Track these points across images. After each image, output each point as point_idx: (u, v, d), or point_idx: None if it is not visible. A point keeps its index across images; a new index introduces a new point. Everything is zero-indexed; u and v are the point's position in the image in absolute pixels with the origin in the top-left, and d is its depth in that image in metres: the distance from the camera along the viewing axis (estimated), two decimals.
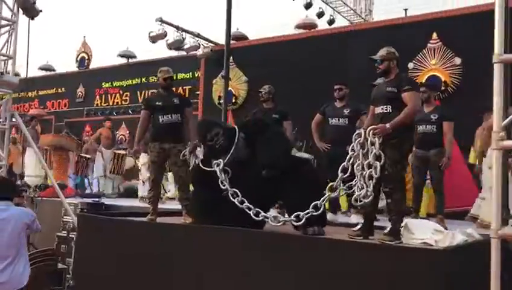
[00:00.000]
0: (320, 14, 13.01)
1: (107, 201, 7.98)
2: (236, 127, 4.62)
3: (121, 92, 17.64)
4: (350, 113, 6.02)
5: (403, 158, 4.12)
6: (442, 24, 8.23)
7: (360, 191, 4.03)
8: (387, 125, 3.98)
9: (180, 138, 5.28)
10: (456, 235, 4.06)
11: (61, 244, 7.10)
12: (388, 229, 3.98)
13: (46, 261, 5.41)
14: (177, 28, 10.67)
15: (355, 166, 4.09)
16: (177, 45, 10.84)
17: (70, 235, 6.99)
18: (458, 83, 7.86)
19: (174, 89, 6.09)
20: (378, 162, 3.91)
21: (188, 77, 15.80)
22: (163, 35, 10.82)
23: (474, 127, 6.70)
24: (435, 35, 8.05)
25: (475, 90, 7.11)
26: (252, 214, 4.17)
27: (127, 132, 17.27)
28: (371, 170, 3.95)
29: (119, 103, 17.64)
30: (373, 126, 4.07)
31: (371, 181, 3.95)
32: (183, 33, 10.77)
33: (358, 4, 13.74)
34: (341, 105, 6.12)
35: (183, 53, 13.85)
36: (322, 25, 13.62)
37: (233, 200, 4.22)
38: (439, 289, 3.17)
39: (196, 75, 15.57)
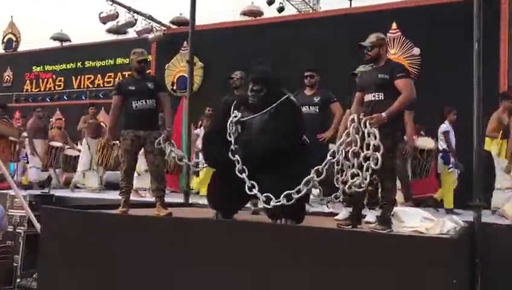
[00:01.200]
0: (270, 2, 12.88)
1: (57, 193, 7.45)
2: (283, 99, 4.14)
3: (54, 76, 16.67)
4: (320, 101, 5.94)
5: (395, 147, 4.10)
6: (401, 14, 8.39)
7: (353, 178, 3.93)
8: (383, 114, 3.89)
9: (156, 124, 5.00)
10: (446, 222, 4.11)
11: (6, 240, 6.52)
12: (378, 217, 3.97)
13: (2, 259, 4.91)
14: (129, 9, 10.10)
15: (349, 152, 3.95)
16: (128, 27, 10.25)
17: (17, 230, 6.47)
18: (417, 72, 8.02)
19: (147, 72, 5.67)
20: (377, 153, 3.79)
21: (127, 62, 15.20)
22: (114, 16, 10.22)
23: (433, 117, 6.89)
24: (394, 25, 8.18)
25: (433, 81, 7.30)
26: (246, 187, 3.92)
27: (63, 118, 16.35)
28: (368, 161, 3.83)
29: (53, 89, 16.68)
30: (369, 116, 3.95)
31: (367, 172, 3.85)
32: (135, 15, 10.21)
33: None
34: (311, 93, 6.02)
35: (124, 36, 13.29)
36: (271, 12, 13.56)
37: (233, 158, 3.96)
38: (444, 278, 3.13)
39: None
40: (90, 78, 15.92)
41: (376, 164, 3.78)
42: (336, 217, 5.04)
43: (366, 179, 3.84)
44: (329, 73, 6.06)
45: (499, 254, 4.58)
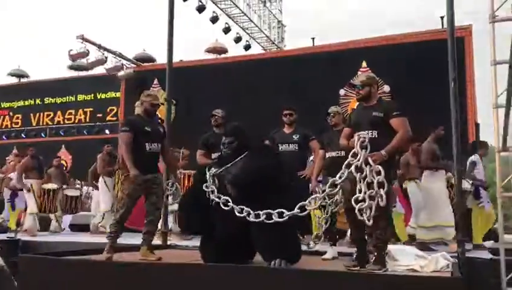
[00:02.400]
0: (238, 39, 13.08)
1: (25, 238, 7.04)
2: (252, 146, 4.36)
3: (11, 113, 16.15)
4: (299, 139, 5.95)
5: (389, 184, 4.03)
6: (371, 52, 8.66)
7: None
8: (383, 152, 3.93)
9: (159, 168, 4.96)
10: (439, 259, 4.14)
11: None
12: (373, 257, 3.92)
13: None
14: (99, 46, 9.97)
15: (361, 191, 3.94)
16: (99, 64, 10.10)
17: None
18: None
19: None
20: (382, 190, 3.78)
21: (89, 98, 14.96)
22: (85, 54, 10.04)
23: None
24: (364, 63, 8.44)
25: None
26: (236, 212, 3.96)
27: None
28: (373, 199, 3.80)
29: (9, 126, 16.13)
30: (371, 154, 3.98)
31: (370, 210, 3.82)
32: (105, 52, 10.08)
33: (271, 31, 14.03)
34: (290, 131, 6.03)
35: (86, 73, 13.11)
36: (237, 50, 13.76)
37: (217, 200, 4.07)
38: None
39: (99, 97, 14.85)
40: (50, 115, 15.57)
41: (382, 200, 3.76)
42: (323, 257, 5.01)
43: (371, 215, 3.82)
44: (299, 112, 6.15)
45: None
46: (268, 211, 3.89)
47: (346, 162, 3.94)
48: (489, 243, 6.51)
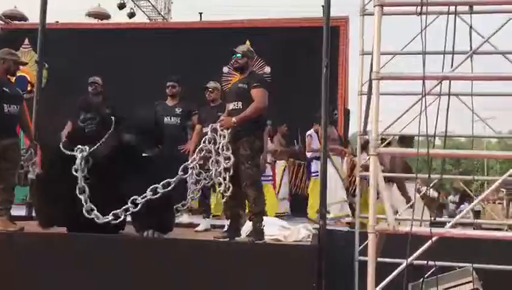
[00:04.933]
0: (122, 6, 12.53)
1: None
2: (113, 118, 4.25)
3: None
4: (182, 112, 5.99)
5: (255, 156, 4.23)
6: (254, 33, 8.85)
7: (220, 187, 4.07)
8: (233, 119, 4.10)
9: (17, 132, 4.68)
10: (300, 230, 4.48)
11: None
12: (251, 229, 4.12)
13: None
14: None
15: (210, 163, 4.12)
16: None
17: None
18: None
19: None
20: (229, 152, 4.03)
21: None
22: None
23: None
24: (248, 43, 8.58)
25: (282, 98, 7.86)
26: (84, 210, 3.92)
27: None
28: (227, 161, 4.03)
29: None
30: (220, 119, 4.17)
31: (227, 173, 4.02)
32: None
33: (158, 1, 13.66)
34: (173, 103, 6.04)
35: None
36: (120, 17, 13.18)
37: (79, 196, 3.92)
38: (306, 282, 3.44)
39: None
40: None
41: (228, 161, 3.98)
42: (196, 229, 5.13)
43: (227, 180, 4.01)
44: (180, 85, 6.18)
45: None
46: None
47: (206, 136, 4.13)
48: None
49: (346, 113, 8.77)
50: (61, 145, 4.18)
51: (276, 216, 6.71)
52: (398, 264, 3.71)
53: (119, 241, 3.98)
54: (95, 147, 4.08)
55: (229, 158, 4.03)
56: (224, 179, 4.06)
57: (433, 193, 7.07)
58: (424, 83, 3.09)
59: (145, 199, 3.95)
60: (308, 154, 7.15)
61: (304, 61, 8.01)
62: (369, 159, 3.15)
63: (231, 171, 4.01)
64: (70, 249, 3.77)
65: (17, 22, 11.28)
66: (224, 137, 4.05)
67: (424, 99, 3.13)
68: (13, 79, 5.02)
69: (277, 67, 8.88)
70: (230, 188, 4.03)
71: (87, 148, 4.05)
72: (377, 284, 3.09)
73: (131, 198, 3.92)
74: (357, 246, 5.10)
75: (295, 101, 8.13)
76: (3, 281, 3.66)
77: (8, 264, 3.72)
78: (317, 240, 4.24)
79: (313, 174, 6.96)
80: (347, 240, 5.42)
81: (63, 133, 5.40)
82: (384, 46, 3.27)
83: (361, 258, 4.81)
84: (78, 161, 4.00)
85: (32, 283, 3.66)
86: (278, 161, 7.72)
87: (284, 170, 7.87)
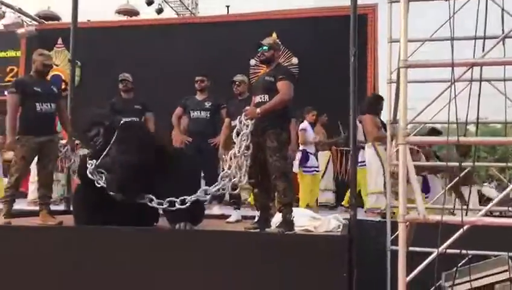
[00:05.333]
0: (150, 2, 12.69)
1: None
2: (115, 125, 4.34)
3: None
4: (211, 106, 6.06)
5: (282, 148, 4.21)
6: (281, 24, 8.84)
7: (235, 176, 4.09)
8: (258, 110, 4.11)
9: (55, 129, 4.87)
10: (331, 221, 4.48)
11: None
12: (280, 220, 4.14)
13: None
14: None
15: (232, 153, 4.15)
16: None
17: None
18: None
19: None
20: (248, 142, 4.04)
21: None
22: None
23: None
24: (274, 35, 8.58)
25: (310, 89, 7.83)
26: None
27: None
28: (246, 151, 4.04)
29: None
30: (244, 109, 4.19)
31: (245, 161, 4.04)
32: (3, 7, 9.30)
33: None
34: (202, 98, 6.13)
35: None
36: (149, 13, 13.34)
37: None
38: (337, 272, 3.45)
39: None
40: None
41: (247, 151, 4.00)
42: (227, 220, 5.20)
43: (243, 171, 4.02)
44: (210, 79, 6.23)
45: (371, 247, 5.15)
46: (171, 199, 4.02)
47: (235, 130, 4.13)
48: None
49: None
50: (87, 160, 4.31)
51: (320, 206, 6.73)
52: (430, 253, 3.71)
53: (154, 233, 4.07)
54: (100, 158, 4.17)
55: (248, 147, 4.04)
56: (240, 168, 4.06)
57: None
58: (453, 69, 3.05)
59: (196, 197, 4.06)
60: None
61: (332, 51, 7.95)
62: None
63: (249, 160, 4.02)
64: (108, 242, 3.88)
65: (50, 22, 11.59)
66: (247, 127, 4.05)
67: (454, 86, 3.08)
68: (48, 78, 5.19)
69: (305, 57, 8.83)
70: (246, 178, 4.04)
71: (94, 161, 4.16)
72: (408, 274, 3.09)
73: (181, 197, 4.00)
74: (389, 235, 5.08)
75: (324, 91, 8.08)
76: (43, 273, 3.81)
77: (48, 257, 3.86)
78: (348, 231, 4.24)
79: (359, 164, 6.85)
80: (378, 230, 5.41)
81: None
82: (413, 33, 3.23)
83: (393, 247, 4.79)
84: (89, 170, 4.16)
85: (70, 275, 3.79)
86: (320, 152, 7.55)
87: (328, 161, 7.76)
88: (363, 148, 6.73)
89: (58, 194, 7.18)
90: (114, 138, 4.16)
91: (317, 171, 7.18)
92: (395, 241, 4.45)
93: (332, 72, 7.99)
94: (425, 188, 6.96)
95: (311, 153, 7.09)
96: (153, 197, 4.06)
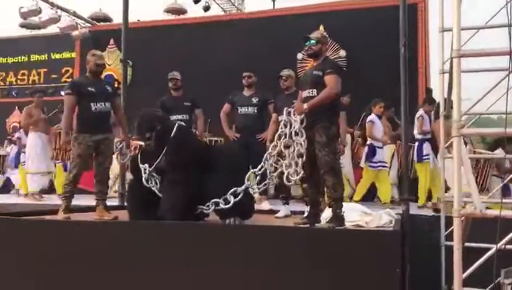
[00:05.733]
0: (196, 0, 12.86)
1: None
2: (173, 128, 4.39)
3: None
4: (259, 101, 6.09)
5: (331, 142, 4.16)
6: (327, 17, 8.74)
7: (288, 169, 4.07)
8: (305, 105, 4.07)
9: (110, 127, 5.01)
10: (382, 216, 4.40)
11: None
12: (330, 215, 4.11)
13: None
14: (52, 4, 9.59)
15: (281, 147, 4.13)
16: (52, 23, 9.74)
17: None
18: (344, 73, 8.37)
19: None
20: (301, 138, 3.99)
21: (43, 59, 14.48)
22: (36, 12, 9.63)
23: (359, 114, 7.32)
24: (321, 28, 8.49)
25: (358, 81, 7.72)
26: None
27: None
28: (298, 148, 4.00)
29: None
30: (291, 105, 4.17)
31: (300, 159, 3.99)
32: (59, 10, 9.72)
33: None
34: (250, 94, 6.17)
35: (41, 32, 12.65)
36: (196, 11, 13.53)
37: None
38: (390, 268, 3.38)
39: (53, 57, 14.38)
40: (2, 75, 15.00)
41: (301, 147, 3.96)
42: (276, 215, 5.22)
43: (299, 166, 3.98)
44: (257, 74, 6.24)
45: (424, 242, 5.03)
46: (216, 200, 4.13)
47: (282, 121, 4.11)
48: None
49: (428, 92, 8.41)
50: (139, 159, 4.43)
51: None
52: (487, 249, 3.58)
53: (206, 228, 4.13)
54: (156, 163, 4.27)
55: (301, 144, 4.02)
56: (296, 164, 4.04)
57: None
58: (510, 58, 2.91)
59: (244, 188, 4.12)
60: (419, 136, 6.74)
61: (381, 42, 7.78)
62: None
63: (304, 157, 3.99)
64: (161, 237, 3.97)
65: (102, 23, 11.98)
66: (298, 122, 4.04)
67: (510, 75, 2.95)
68: (102, 77, 5.38)
69: (353, 50, 8.69)
70: (301, 174, 4.02)
71: (147, 166, 4.28)
72: (464, 270, 3.00)
73: (231, 190, 4.06)
74: (443, 230, 4.95)
75: (373, 84, 7.92)
76: (100, 266, 3.96)
77: (104, 250, 4.00)
78: (400, 225, 4.15)
79: (424, 157, 6.64)
80: (432, 225, 5.27)
81: None
82: (464, 23, 3.12)
83: (448, 243, 4.66)
84: (144, 177, 4.29)
85: (126, 268, 3.92)
86: (385, 146, 7.23)
87: (393, 155, 7.52)
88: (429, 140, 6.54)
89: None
90: (167, 147, 4.25)
91: (384, 166, 6.89)
92: (449, 237, 4.33)
93: (381, 63, 7.82)
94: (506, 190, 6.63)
95: (378, 147, 6.83)
96: (205, 208, 4.17)
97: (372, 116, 6.91)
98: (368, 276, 3.34)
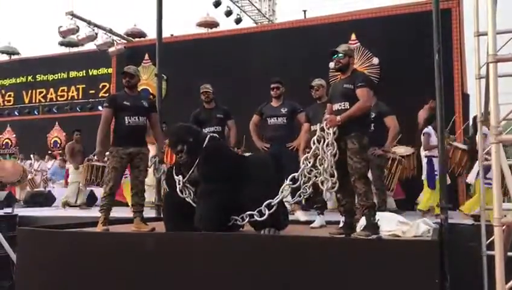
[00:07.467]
0: (229, 13, 13.03)
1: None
2: (205, 140, 4.47)
3: (3, 91, 16.12)
4: (288, 112, 6.09)
5: (363, 151, 4.16)
6: (359, 25, 8.70)
7: (326, 184, 4.06)
8: (338, 117, 4.09)
9: (145, 141, 5.07)
10: (420, 225, 4.30)
11: None
12: (363, 225, 4.06)
13: None
14: (89, 22, 9.93)
15: (317, 160, 4.14)
16: (89, 41, 10.09)
17: None
18: (376, 82, 8.31)
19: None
20: (335, 150, 4.03)
21: (81, 75, 14.96)
22: (74, 30, 10.00)
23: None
24: (353, 36, 8.48)
25: (392, 89, 7.62)
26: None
27: (13, 135, 15.82)
28: (330, 158, 4.02)
29: (1, 104, 16.12)
30: (324, 118, 4.16)
31: (333, 169, 4.01)
32: (95, 28, 10.06)
33: (262, 4, 13.98)
34: (278, 104, 6.16)
35: (79, 49, 13.13)
36: (228, 23, 13.72)
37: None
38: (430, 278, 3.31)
39: (91, 73, 14.84)
40: (42, 92, 15.57)
41: (334, 156, 4.00)
42: (311, 225, 5.18)
43: (334, 177, 4.01)
44: (287, 84, 6.25)
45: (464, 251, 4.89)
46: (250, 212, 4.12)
47: (315, 136, 4.13)
48: None
49: (465, 97, 8.24)
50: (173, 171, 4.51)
51: None
52: None
53: (242, 239, 4.14)
54: (189, 174, 4.35)
55: (334, 155, 4.02)
56: (331, 175, 4.04)
57: None
58: None
59: (278, 199, 4.12)
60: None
61: (415, 49, 7.68)
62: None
63: (334, 166, 3.99)
64: (196, 247, 4.00)
65: (137, 39, 12.29)
66: (330, 135, 4.05)
67: None
68: (138, 92, 5.49)
69: (386, 57, 8.61)
70: (337, 185, 4.01)
71: (181, 178, 4.36)
72: (507, 280, 2.90)
73: (266, 202, 4.07)
74: (484, 239, 4.80)
75: (407, 91, 7.81)
76: (139, 278, 4.02)
77: (142, 262, 4.06)
78: (438, 235, 4.06)
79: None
80: (472, 234, 5.12)
81: None
82: (500, 26, 3.05)
83: (489, 252, 4.52)
84: (178, 188, 4.38)
85: (165, 280, 3.97)
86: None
87: None
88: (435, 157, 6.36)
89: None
90: (199, 158, 4.31)
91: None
92: (491, 246, 4.20)
93: (415, 70, 7.72)
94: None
95: (434, 157, 6.50)
96: (239, 219, 4.19)
97: (429, 128, 6.70)
98: (405, 286, 3.28)
